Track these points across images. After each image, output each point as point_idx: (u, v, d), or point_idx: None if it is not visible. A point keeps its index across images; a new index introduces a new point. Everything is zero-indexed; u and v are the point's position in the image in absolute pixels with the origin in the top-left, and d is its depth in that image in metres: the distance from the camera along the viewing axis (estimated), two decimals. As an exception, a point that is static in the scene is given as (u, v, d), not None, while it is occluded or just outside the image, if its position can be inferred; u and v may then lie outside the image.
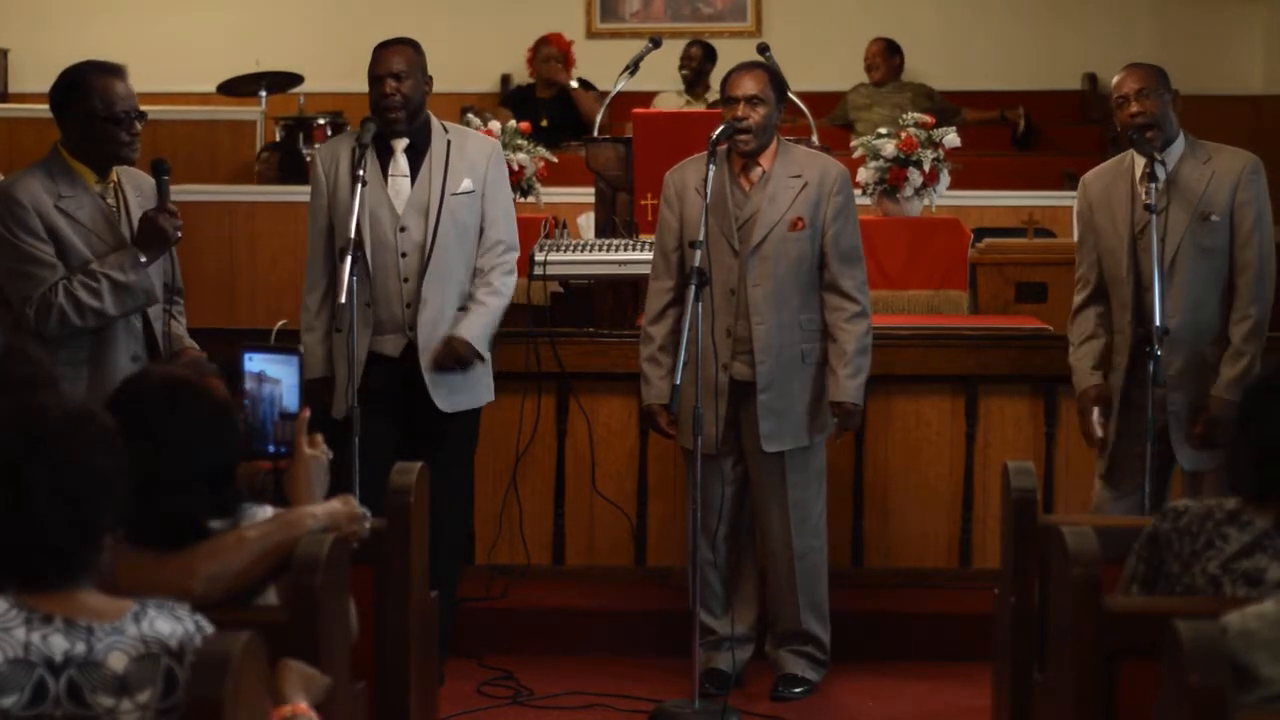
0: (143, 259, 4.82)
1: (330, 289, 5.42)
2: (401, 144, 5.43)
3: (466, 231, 5.47)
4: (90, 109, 4.81)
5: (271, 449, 3.47)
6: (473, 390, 5.52)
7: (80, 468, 2.65)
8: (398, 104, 5.38)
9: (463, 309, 5.47)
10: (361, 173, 5.23)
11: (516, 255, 5.61)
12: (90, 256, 4.81)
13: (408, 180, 5.42)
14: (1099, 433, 5.35)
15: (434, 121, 5.50)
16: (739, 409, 5.49)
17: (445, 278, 5.43)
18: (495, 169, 5.56)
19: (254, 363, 3.50)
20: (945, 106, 10.17)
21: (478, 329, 5.46)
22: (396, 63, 5.39)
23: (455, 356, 5.43)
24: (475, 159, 5.50)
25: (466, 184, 5.45)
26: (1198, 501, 3.43)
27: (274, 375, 3.50)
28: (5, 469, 2.62)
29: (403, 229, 5.38)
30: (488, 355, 5.52)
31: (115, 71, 4.89)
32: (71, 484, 2.64)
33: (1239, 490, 3.37)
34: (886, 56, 10.56)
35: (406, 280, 5.40)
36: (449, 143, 5.48)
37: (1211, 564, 3.32)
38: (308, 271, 5.54)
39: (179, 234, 4.88)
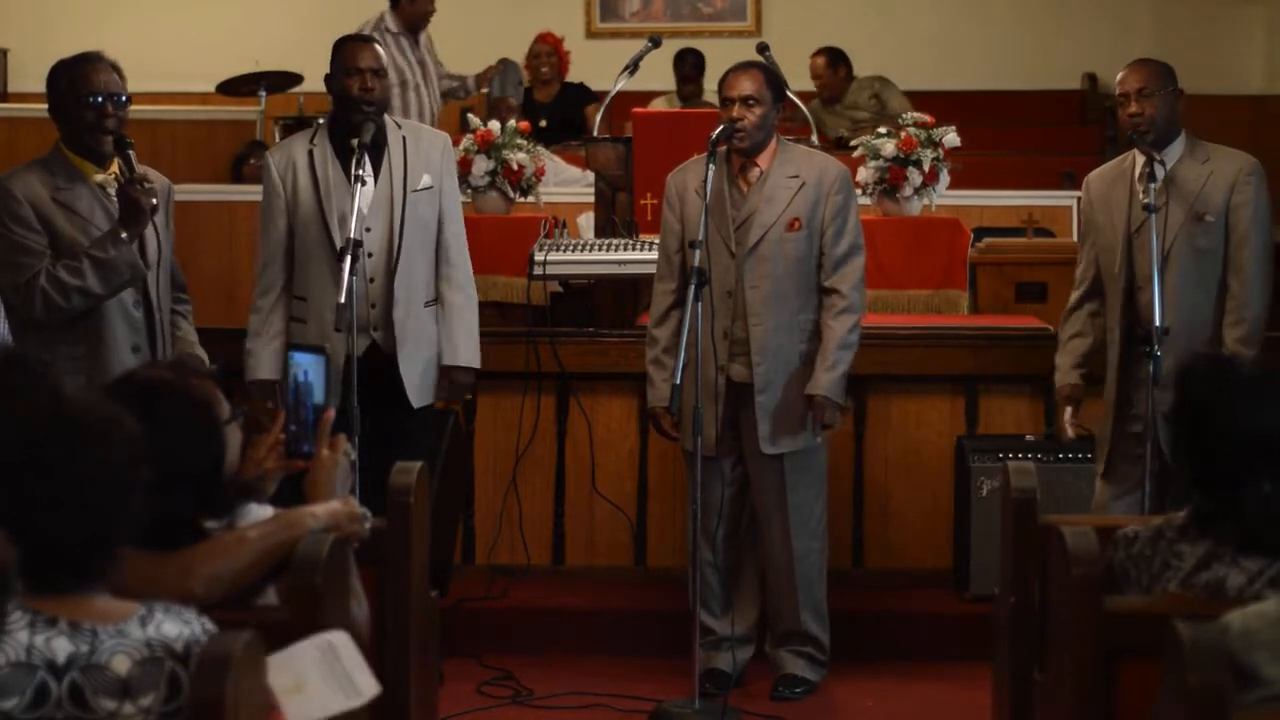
0: (124, 235, 4.86)
1: (285, 292, 5.45)
2: (358, 142, 5.36)
3: (428, 227, 5.48)
4: (60, 94, 4.90)
5: (306, 449, 3.44)
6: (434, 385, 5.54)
7: (109, 480, 2.63)
8: (374, 100, 5.37)
9: (433, 302, 5.47)
10: (361, 173, 5.23)
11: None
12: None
13: (370, 179, 5.38)
14: (1069, 433, 5.48)
15: (386, 118, 5.49)
16: (738, 410, 5.49)
17: (412, 275, 5.43)
18: (448, 162, 5.59)
19: (298, 362, 3.48)
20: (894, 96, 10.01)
21: (468, 348, 5.50)
22: (374, 59, 5.38)
23: (463, 388, 5.57)
24: (430, 154, 5.50)
25: (425, 180, 5.46)
26: (1146, 525, 3.44)
27: (311, 375, 3.47)
28: (36, 475, 2.60)
29: (367, 229, 5.35)
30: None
31: (87, 58, 4.95)
32: (98, 496, 2.62)
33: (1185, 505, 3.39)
34: (831, 69, 10.10)
35: (372, 280, 5.37)
36: (404, 139, 5.47)
37: (1171, 584, 3.33)
38: (262, 275, 5.50)
39: (154, 201, 4.89)
